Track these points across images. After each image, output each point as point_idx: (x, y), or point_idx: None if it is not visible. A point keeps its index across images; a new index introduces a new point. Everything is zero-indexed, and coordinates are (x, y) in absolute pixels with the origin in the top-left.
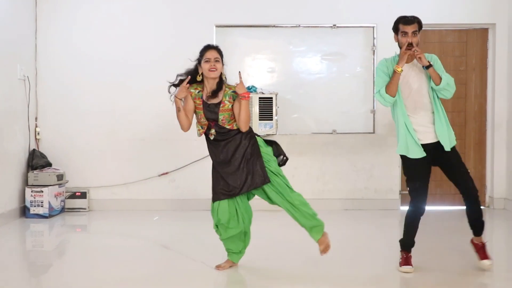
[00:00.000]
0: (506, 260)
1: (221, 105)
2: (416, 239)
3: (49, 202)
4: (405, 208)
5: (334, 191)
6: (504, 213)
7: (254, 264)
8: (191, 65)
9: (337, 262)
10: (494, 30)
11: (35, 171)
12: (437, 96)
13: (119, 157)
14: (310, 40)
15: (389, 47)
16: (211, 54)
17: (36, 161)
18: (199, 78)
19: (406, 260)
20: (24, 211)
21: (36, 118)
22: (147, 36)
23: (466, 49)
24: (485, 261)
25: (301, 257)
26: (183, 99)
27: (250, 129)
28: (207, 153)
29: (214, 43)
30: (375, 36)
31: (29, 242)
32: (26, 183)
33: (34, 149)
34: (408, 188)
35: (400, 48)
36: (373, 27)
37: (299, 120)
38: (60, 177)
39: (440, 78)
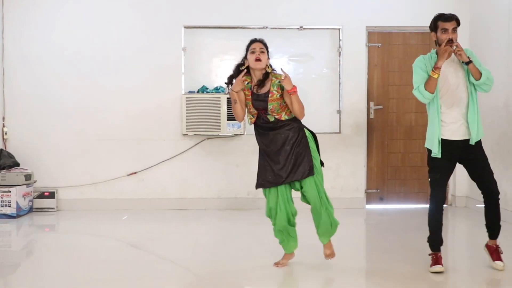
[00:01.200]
0: (468, 257)
1: (270, 95)
2: (393, 236)
3: (16, 202)
4: (371, 206)
5: None
6: (466, 211)
7: (218, 265)
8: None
9: (303, 259)
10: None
11: (2, 171)
12: (475, 90)
13: (88, 157)
14: (277, 42)
15: (355, 48)
16: (257, 45)
17: (4, 161)
18: (242, 68)
19: (436, 260)
20: None
21: (3, 118)
22: (117, 37)
23: (429, 51)
24: (498, 262)
25: (270, 258)
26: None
27: (299, 122)
28: (176, 153)
29: (182, 44)
30: (341, 38)
31: None
32: None
33: (1, 149)
34: (429, 179)
35: (439, 45)
36: (339, 29)
37: None
38: (28, 177)
39: (480, 73)
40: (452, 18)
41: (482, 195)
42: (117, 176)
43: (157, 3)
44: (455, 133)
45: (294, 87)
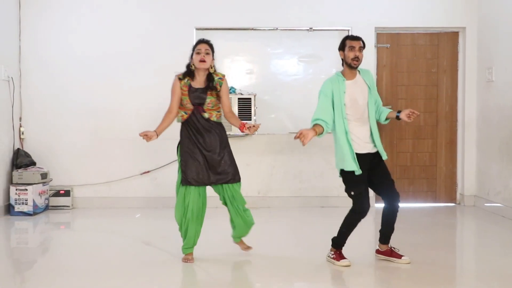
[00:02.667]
0: (475, 254)
1: (209, 89)
2: (401, 234)
3: (33, 200)
4: (380, 205)
5: (310, 189)
6: (474, 210)
7: (235, 260)
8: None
9: (313, 257)
10: (464, 33)
11: (19, 170)
12: (370, 112)
13: (102, 156)
14: (287, 43)
15: (364, 49)
16: (202, 47)
17: (21, 160)
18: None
19: (340, 255)
20: (8, 209)
21: (20, 118)
22: (129, 38)
23: (437, 52)
24: (405, 258)
25: (277, 253)
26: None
27: (223, 127)
28: None
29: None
30: None
31: (14, 239)
32: (10, 181)
33: (18, 148)
34: (352, 193)
35: (346, 63)
36: (348, 30)
37: (277, 120)
38: (44, 175)
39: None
40: (359, 38)
41: (384, 204)
42: (131, 175)
43: (169, 6)
44: (366, 147)
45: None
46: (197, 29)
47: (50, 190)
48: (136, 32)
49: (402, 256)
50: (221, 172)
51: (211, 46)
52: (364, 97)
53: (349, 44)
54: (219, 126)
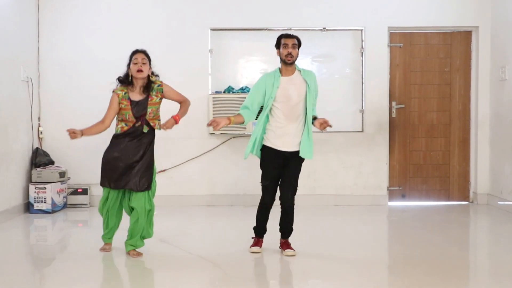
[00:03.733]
0: (489, 252)
1: (149, 99)
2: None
3: (52, 198)
4: (393, 203)
5: (324, 187)
6: (487, 208)
7: (245, 260)
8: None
9: (326, 256)
10: (477, 32)
11: (38, 169)
12: (309, 104)
13: None
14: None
15: (377, 49)
16: (139, 56)
17: (39, 159)
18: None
19: (256, 243)
20: (28, 207)
21: (39, 118)
22: (146, 39)
23: (450, 51)
24: (289, 251)
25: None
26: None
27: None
28: (204, 151)
29: (209, 45)
30: (363, 39)
31: (33, 237)
32: (30, 180)
33: (37, 148)
34: (261, 184)
35: (282, 60)
36: (362, 30)
37: None
38: (62, 174)
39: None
40: (293, 36)
41: (279, 203)
42: None
43: (185, 7)
44: (287, 146)
45: (177, 116)
46: (212, 29)
47: (68, 188)
48: (151, 32)
49: (290, 249)
50: (131, 179)
51: (147, 55)
52: (299, 95)
53: (283, 41)
54: (150, 135)
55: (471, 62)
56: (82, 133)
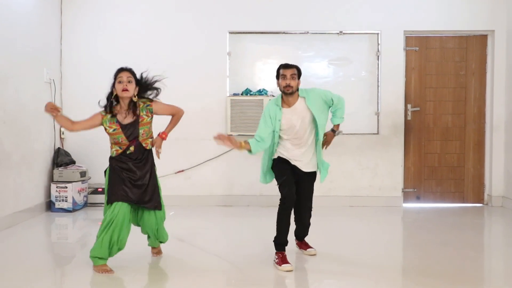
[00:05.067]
0: (503, 255)
1: (140, 120)
2: (429, 234)
3: (72, 197)
4: (408, 205)
5: (340, 188)
6: (502, 211)
7: (260, 259)
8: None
9: (342, 256)
10: (493, 36)
11: (59, 168)
12: (317, 135)
13: None
14: (317, 46)
15: (393, 52)
16: (124, 75)
17: (61, 158)
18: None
19: (283, 259)
20: (49, 206)
21: None
22: (165, 42)
23: (466, 55)
24: (311, 250)
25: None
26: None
27: (152, 151)
28: (221, 152)
29: (227, 48)
30: (379, 42)
31: (54, 235)
32: (51, 179)
33: (59, 148)
34: (278, 184)
35: (282, 91)
36: (378, 33)
37: None
38: (83, 174)
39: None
40: (292, 66)
41: (295, 221)
42: (166, 174)
43: (204, 11)
44: (302, 167)
45: (164, 134)
46: (230, 32)
47: (88, 188)
48: (171, 35)
49: (310, 248)
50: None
51: (133, 73)
52: (303, 123)
53: (282, 72)
54: (149, 153)
55: (487, 65)
56: (58, 114)
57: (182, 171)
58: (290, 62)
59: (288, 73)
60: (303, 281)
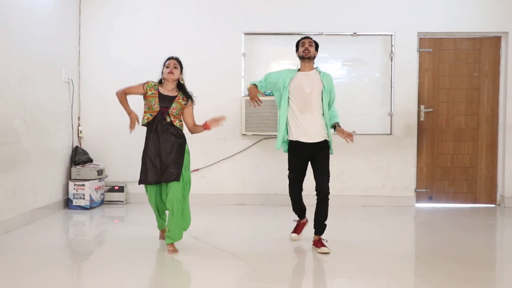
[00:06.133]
0: None
1: (176, 98)
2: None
3: (90, 195)
4: (420, 205)
5: (353, 188)
6: None
7: (276, 258)
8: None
9: (355, 254)
10: (506, 38)
11: (77, 166)
12: (325, 102)
13: None
14: (331, 47)
15: (406, 53)
16: (171, 62)
17: (79, 157)
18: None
19: (296, 228)
20: (67, 203)
21: (79, 118)
22: (181, 43)
23: (479, 56)
24: (323, 248)
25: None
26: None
27: (184, 136)
28: (236, 151)
29: (242, 49)
30: (393, 44)
31: (72, 232)
32: (69, 177)
33: (77, 146)
34: (287, 176)
35: (299, 57)
36: (391, 35)
37: None
38: (100, 172)
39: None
40: (308, 37)
41: (316, 195)
42: None
43: (219, 12)
44: (305, 137)
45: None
46: (245, 34)
47: (105, 185)
48: (187, 37)
49: (323, 247)
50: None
51: (179, 62)
52: (312, 87)
53: (301, 42)
54: (178, 130)
55: (500, 67)
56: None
57: (197, 170)
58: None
59: (307, 41)
60: (317, 278)
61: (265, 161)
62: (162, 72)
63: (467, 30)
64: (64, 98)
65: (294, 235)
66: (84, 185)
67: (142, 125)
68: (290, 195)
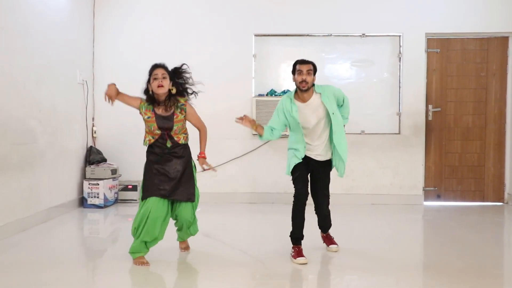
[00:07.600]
0: None
1: (175, 117)
2: (450, 232)
3: (104, 194)
4: (428, 203)
5: (362, 187)
6: None
7: (287, 255)
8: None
9: (364, 251)
10: None
11: (92, 166)
12: (334, 127)
13: None
14: (340, 48)
15: (414, 54)
16: (159, 71)
17: (93, 157)
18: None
19: (299, 253)
20: (82, 202)
21: (93, 118)
22: (193, 45)
23: (487, 56)
24: (333, 246)
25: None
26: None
27: (189, 150)
28: (246, 151)
29: (253, 50)
30: (401, 44)
31: (86, 230)
32: (84, 176)
33: (91, 146)
34: (292, 179)
35: (297, 86)
36: (399, 36)
37: None
38: (114, 171)
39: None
40: (308, 62)
41: (315, 212)
42: None
43: (230, 14)
44: (314, 155)
45: (202, 154)
46: (256, 35)
47: (119, 184)
48: (199, 39)
49: (333, 244)
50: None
51: (167, 69)
52: (317, 117)
53: (298, 68)
54: (184, 148)
55: (507, 67)
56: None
57: (209, 169)
58: (315, 63)
59: (305, 68)
60: (325, 276)
61: (275, 160)
62: (149, 82)
63: (475, 30)
64: (79, 100)
65: (303, 258)
66: (98, 184)
67: (147, 149)
68: (295, 197)
